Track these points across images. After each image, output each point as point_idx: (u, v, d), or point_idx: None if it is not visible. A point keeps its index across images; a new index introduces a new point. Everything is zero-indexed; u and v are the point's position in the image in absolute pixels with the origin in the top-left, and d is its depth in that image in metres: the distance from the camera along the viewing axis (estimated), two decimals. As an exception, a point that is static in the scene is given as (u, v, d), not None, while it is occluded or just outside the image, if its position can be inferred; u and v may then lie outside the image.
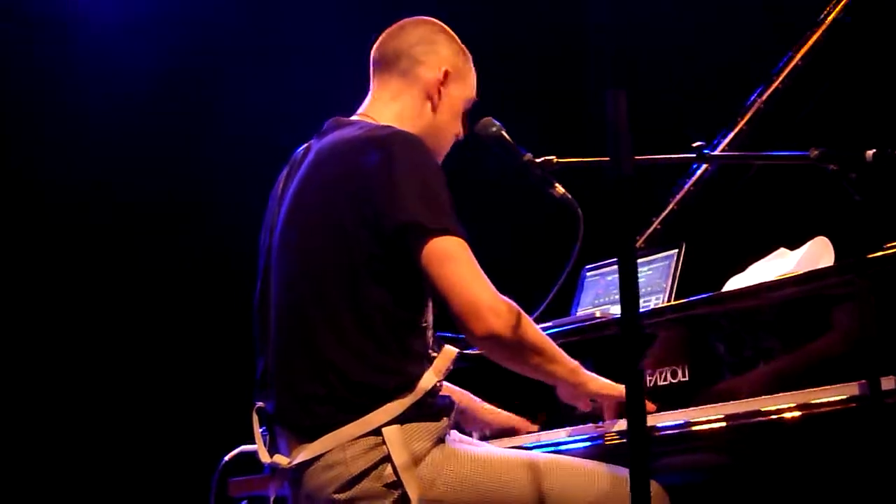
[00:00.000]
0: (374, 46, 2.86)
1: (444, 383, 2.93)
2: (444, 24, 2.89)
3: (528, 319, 2.58)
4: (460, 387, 3.00)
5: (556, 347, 2.68)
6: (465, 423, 3.01)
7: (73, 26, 5.29)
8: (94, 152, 5.33)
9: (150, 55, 5.35)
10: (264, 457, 2.64)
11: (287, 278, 2.66)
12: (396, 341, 2.54)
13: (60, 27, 5.27)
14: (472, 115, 2.90)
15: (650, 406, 2.79)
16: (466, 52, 2.89)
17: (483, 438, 3.03)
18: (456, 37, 2.89)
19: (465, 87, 2.86)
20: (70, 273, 5.33)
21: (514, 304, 2.56)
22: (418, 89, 2.79)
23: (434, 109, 2.80)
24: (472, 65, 2.89)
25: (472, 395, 3.03)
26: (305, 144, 2.81)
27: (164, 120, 5.40)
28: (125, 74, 5.33)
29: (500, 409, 3.04)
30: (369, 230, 2.52)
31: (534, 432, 3.00)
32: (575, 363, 2.72)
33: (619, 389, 2.75)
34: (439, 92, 2.79)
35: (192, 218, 5.41)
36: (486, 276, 2.53)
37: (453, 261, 2.51)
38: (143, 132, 5.37)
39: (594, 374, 2.76)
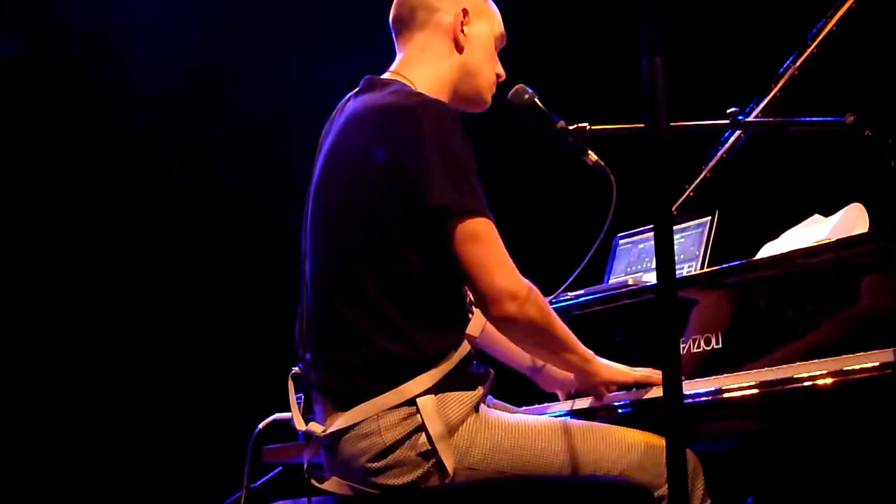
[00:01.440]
0: (391, 12, 2.84)
1: None
2: None
3: (546, 306, 2.59)
4: None
5: (572, 336, 2.68)
6: (547, 384, 2.99)
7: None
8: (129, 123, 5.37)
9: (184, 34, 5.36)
10: (299, 424, 2.64)
11: (318, 246, 2.66)
12: (426, 311, 2.54)
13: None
14: (507, 82, 2.88)
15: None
16: None
17: (568, 398, 2.99)
18: None
19: (490, 23, 2.82)
20: (103, 243, 5.37)
21: (535, 289, 2.55)
22: (442, 35, 2.76)
23: (461, 50, 2.76)
24: (491, 2, 2.85)
25: None
26: (345, 98, 2.79)
27: (202, 89, 5.41)
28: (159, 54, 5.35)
29: None
30: (399, 202, 2.52)
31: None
32: (590, 353, 2.72)
33: (633, 375, 2.76)
34: (463, 32, 2.76)
35: (228, 186, 5.42)
36: (508, 259, 2.53)
37: (476, 242, 2.51)
38: (179, 102, 5.39)
39: (607, 362, 2.76)
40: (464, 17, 2.76)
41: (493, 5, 2.86)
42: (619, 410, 2.81)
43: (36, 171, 5.31)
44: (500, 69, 2.84)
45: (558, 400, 3.00)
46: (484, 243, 2.51)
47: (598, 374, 2.74)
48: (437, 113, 2.56)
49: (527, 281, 2.55)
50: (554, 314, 2.63)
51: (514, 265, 2.54)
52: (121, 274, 5.38)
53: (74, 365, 5.28)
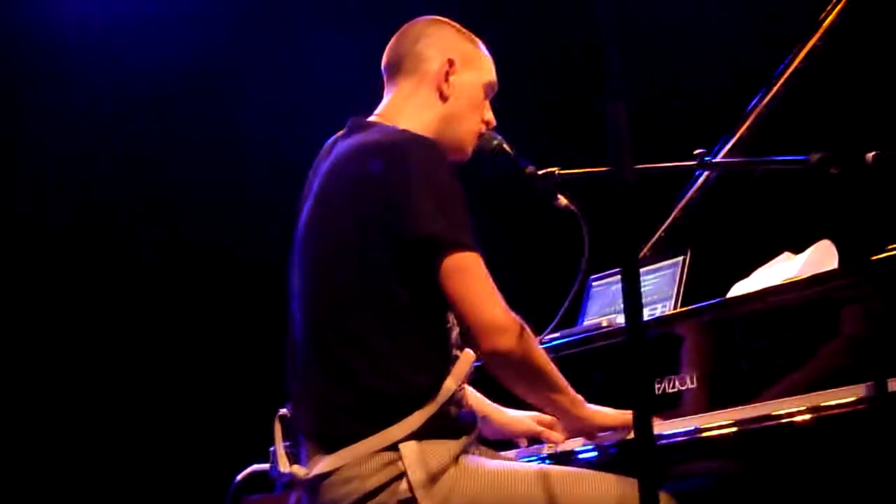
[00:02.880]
0: (383, 57, 2.87)
1: (468, 389, 2.94)
2: (446, 19, 2.87)
3: (535, 343, 2.59)
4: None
5: (561, 377, 2.67)
6: (495, 434, 2.98)
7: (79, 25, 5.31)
8: (117, 152, 5.36)
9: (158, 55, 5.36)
10: (283, 466, 2.63)
11: (309, 285, 2.66)
12: (415, 347, 2.54)
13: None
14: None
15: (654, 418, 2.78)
16: (475, 39, 2.86)
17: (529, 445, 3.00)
18: (460, 27, 2.86)
19: (480, 72, 2.83)
20: (83, 284, 5.34)
21: (525, 324, 2.56)
22: (427, 83, 2.78)
23: (445, 99, 2.77)
24: (484, 50, 2.86)
25: (494, 404, 2.98)
26: (332, 139, 2.80)
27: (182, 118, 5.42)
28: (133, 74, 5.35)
29: (522, 414, 2.96)
30: (388, 235, 2.53)
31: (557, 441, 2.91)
32: (579, 398, 2.71)
33: (625, 418, 2.74)
34: (448, 81, 2.78)
35: (211, 223, 5.42)
36: (498, 293, 2.53)
37: (467, 276, 2.51)
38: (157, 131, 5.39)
39: (598, 407, 2.75)
40: (449, 66, 2.78)
41: (486, 52, 2.86)
42: (598, 454, 2.81)
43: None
44: (488, 116, 2.86)
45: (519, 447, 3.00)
46: (472, 276, 2.52)
47: (589, 419, 2.73)
48: (425, 147, 2.60)
49: (518, 317, 2.55)
50: (545, 355, 2.63)
51: (503, 300, 2.54)
52: (106, 315, 5.35)
53: (57, 407, 5.24)
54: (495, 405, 2.97)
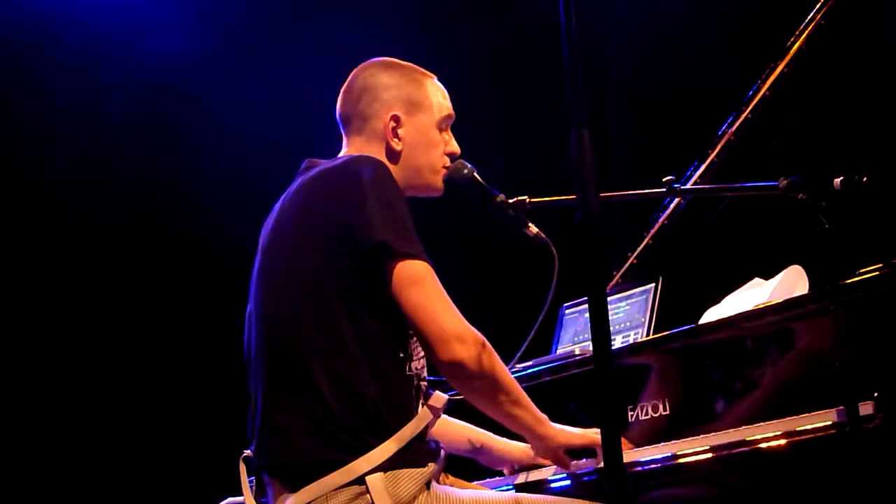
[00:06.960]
0: (337, 107, 2.88)
1: (460, 422, 2.92)
2: (387, 59, 2.87)
3: (494, 354, 2.58)
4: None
5: (525, 394, 2.66)
6: (491, 463, 2.99)
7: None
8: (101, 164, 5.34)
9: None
10: None
11: (268, 318, 2.65)
12: (376, 371, 2.52)
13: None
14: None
15: (627, 445, 2.79)
16: (419, 76, 2.85)
17: (513, 472, 2.99)
18: (402, 65, 2.86)
19: (430, 113, 2.82)
20: (53, 318, 5.31)
21: (481, 335, 2.55)
22: (377, 141, 2.79)
23: (397, 154, 2.78)
24: (431, 84, 2.85)
25: (488, 433, 2.98)
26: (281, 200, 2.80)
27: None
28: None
29: (518, 442, 2.95)
30: (344, 250, 2.53)
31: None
32: (543, 416, 2.70)
33: (591, 437, 2.75)
34: (396, 137, 2.78)
35: (180, 259, 5.40)
36: (452, 304, 2.54)
37: (421, 285, 2.52)
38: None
39: (563, 426, 2.75)
40: (395, 123, 2.78)
41: (434, 86, 2.86)
42: (567, 483, 2.80)
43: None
44: (451, 147, 2.85)
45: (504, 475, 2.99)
46: (426, 286, 2.52)
47: (553, 438, 2.73)
48: (375, 166, 2.61)
49: (473, 327, 2.54)
50: (506, 369, 2.61)
51: (457, 310, 2.53)
52: (69, 344, 5.31)
53: (27, 441, 5.20)
54: (490, 434, 2.96)
